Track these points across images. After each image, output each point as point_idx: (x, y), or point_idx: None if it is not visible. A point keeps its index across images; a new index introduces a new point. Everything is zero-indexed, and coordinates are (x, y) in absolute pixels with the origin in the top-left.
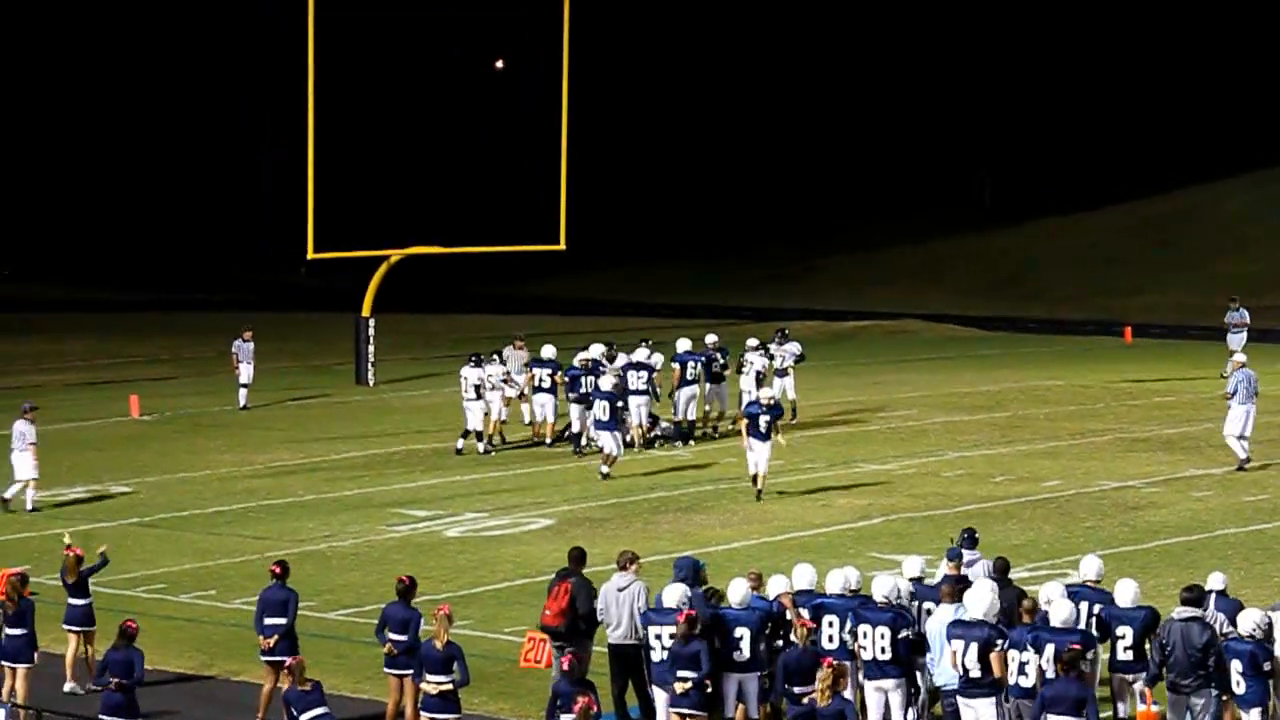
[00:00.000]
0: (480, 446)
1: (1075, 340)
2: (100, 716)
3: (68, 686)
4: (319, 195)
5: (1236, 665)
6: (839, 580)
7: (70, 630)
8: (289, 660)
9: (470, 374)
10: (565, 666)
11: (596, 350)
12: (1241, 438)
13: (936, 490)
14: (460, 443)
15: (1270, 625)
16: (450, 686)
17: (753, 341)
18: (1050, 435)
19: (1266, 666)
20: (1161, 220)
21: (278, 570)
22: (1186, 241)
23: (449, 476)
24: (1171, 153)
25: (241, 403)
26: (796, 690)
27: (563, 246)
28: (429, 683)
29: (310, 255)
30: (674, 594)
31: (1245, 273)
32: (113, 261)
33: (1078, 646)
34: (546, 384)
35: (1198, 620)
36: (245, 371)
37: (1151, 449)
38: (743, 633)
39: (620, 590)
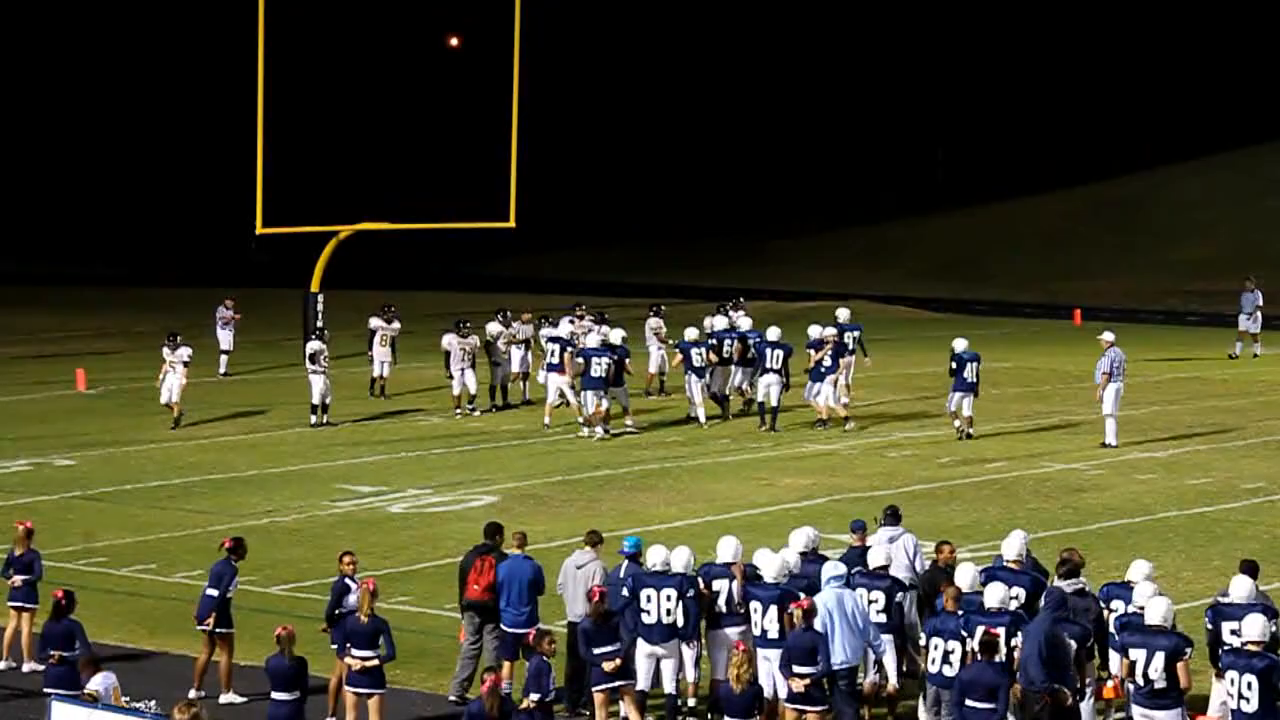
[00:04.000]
0: (312, 419)
1: (1024, 323)
2: (45, 689)
3: (1, 664)
4: (268, 170)
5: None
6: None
7: (12, 606)
8: (278, 629)
9: (311, 346)
10: (530, 642)
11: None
12: (1110, 415)
13: (881, 470)
14: (312, 418)
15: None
16: (376, 662)
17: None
18: (996, 417)
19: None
20: (1113, 205)
21: (228, 544)
22: (1139, 226)
23: (394, 453)
24: (1124, 137)
25: (222, 370)
26: (800, 670)
27: (513, 224)
28: (354, 657)
29: (259, 230)
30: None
31: (1197, 257)
32: (62, 236)
33: (996, 631)
34: (556, 360)
35: (1079, 592)
36: (225, 338)
37: (1096, 431)
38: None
39: (579, 568)
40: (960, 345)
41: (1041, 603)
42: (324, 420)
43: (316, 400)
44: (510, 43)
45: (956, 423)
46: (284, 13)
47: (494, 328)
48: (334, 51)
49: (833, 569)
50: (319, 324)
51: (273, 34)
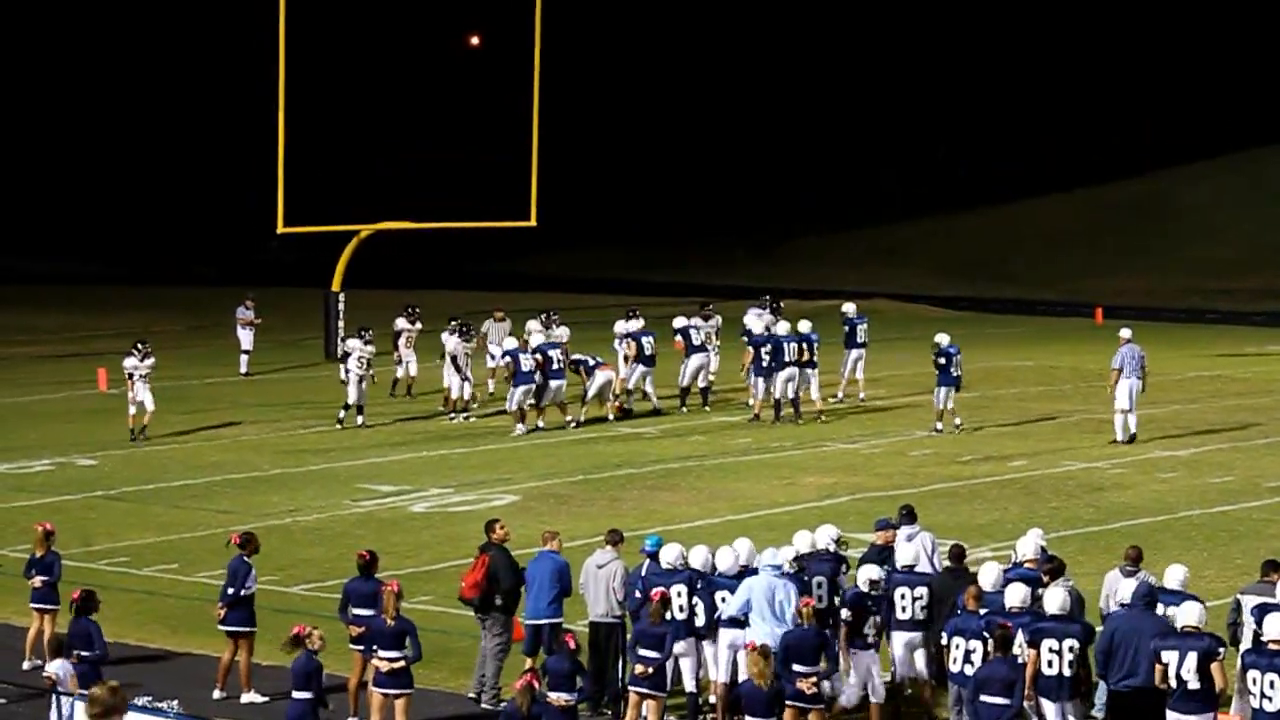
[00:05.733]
0: (359, 419)
1: (1045, 321)
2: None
3: (26, 664)
4: (289, 169)
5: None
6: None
7: (34, 608)
8: (296, 628)
9: (351, 345)
10: (572, 645)
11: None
12: (1127, 412)
13: (903, 469)
14: (341, 413)
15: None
16: (402, 663)
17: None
18: (1018, 416)
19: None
20: (1121, 206)
21: (235, 540)
22: (1158, 225)
23: (416, 452)
24: (1143, 137)
25: (243, 369)
26: (799, 670)
27: (534, 223)
28: (381, 659)
29: (280, 229)
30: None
31: (1216, 257)
32: (84, 234)
33: (1009, 626)
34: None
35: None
36: (245, 338)
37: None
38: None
39: (599, 567)
40: (944, 340)
41: (1130, 600)
42: (342, 420)
43: (352, 400)
44: (531, 42)
45: (940, 424)
46: (304, 10)
47: (533, 325)
48: (355, 50)
49: (770, 557)
50: (358, 326)
51: (293, 32)
